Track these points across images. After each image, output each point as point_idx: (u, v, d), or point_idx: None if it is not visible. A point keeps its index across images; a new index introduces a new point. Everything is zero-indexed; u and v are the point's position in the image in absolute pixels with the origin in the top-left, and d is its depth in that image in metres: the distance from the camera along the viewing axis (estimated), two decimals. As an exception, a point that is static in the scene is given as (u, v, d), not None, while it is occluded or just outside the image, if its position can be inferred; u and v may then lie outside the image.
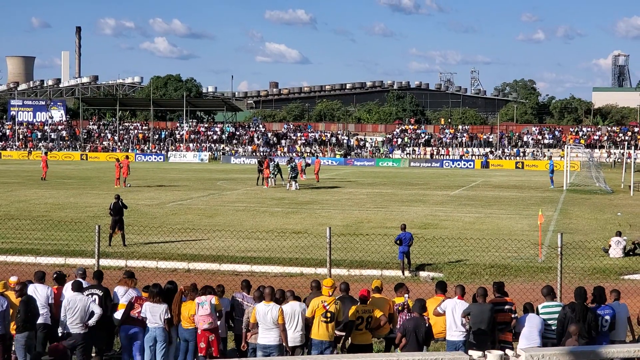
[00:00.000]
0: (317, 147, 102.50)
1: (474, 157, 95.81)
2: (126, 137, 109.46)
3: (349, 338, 13.58)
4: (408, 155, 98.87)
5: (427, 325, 12.82)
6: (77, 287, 13.70)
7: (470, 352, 6.36)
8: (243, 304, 13.90)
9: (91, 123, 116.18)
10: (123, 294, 14.16)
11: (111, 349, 14.88)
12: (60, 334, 13.26)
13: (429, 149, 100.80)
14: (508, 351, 6.40)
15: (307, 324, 12.98)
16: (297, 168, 50.46)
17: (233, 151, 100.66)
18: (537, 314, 13.28)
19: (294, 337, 12.92)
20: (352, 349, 13.29)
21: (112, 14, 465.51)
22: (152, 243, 25.95)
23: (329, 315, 12.83)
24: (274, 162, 52.41)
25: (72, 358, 13.39)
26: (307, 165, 58.37)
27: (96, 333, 13.74)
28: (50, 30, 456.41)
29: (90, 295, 13.81)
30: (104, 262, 19.81)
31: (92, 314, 13.37)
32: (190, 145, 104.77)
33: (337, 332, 13.64)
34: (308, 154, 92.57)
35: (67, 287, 14.51)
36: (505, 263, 23.24)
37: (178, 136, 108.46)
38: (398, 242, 22.23)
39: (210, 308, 13.21)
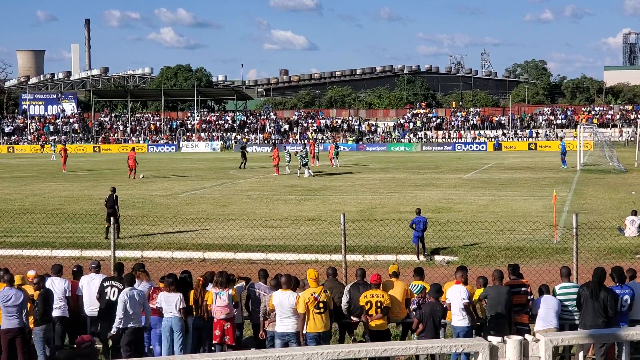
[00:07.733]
0: (328, 133, 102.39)
1: (486, 139, 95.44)
2: (138, 128, 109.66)
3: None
4: (420, 139, 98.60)
5: (443, 309, 12.82)
6: (130, 282, 13.41)
7: (490, 337, 6.33)
8: (259, 294, 13.94)
9: (103, 115, 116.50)
10: (138, 285, 14.21)
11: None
12: (116, 330, 13.00)
13: (440, 132, 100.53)
14: (527, 336, 6.37)
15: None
16: (308, 154, 50.48)
17: (245, 140, 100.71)
18: (554, 295, 13.24)
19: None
20: (369, 334, 13.31)
21: (117, 6, 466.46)
22: (167, 233, 26.02)
23: (321, 305, 12.72)
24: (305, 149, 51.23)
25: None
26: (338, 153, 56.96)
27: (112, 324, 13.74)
28: (57, 24, 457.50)
29: (110, 287, 13.86)
30: (119, 254, 19.87)
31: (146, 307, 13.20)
32: (202, 134, 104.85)
33: (353, 318, 13.69)
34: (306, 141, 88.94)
35: (84, 280, 14.57)
36: (521, 245, 23.18)
37: (189, 126, 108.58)
38: (413, 226, 22.22)
39: (228, 299, 13.25)
